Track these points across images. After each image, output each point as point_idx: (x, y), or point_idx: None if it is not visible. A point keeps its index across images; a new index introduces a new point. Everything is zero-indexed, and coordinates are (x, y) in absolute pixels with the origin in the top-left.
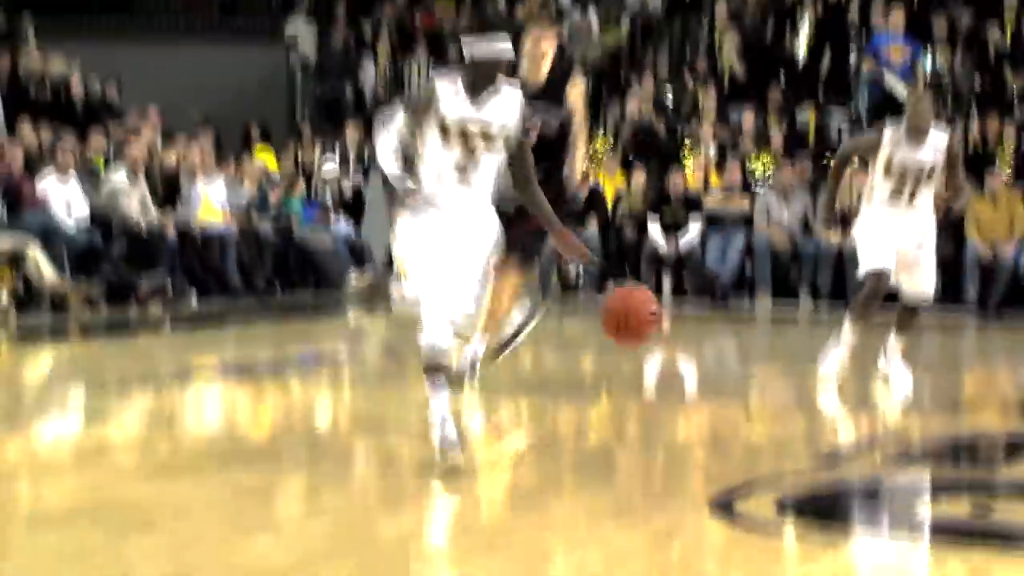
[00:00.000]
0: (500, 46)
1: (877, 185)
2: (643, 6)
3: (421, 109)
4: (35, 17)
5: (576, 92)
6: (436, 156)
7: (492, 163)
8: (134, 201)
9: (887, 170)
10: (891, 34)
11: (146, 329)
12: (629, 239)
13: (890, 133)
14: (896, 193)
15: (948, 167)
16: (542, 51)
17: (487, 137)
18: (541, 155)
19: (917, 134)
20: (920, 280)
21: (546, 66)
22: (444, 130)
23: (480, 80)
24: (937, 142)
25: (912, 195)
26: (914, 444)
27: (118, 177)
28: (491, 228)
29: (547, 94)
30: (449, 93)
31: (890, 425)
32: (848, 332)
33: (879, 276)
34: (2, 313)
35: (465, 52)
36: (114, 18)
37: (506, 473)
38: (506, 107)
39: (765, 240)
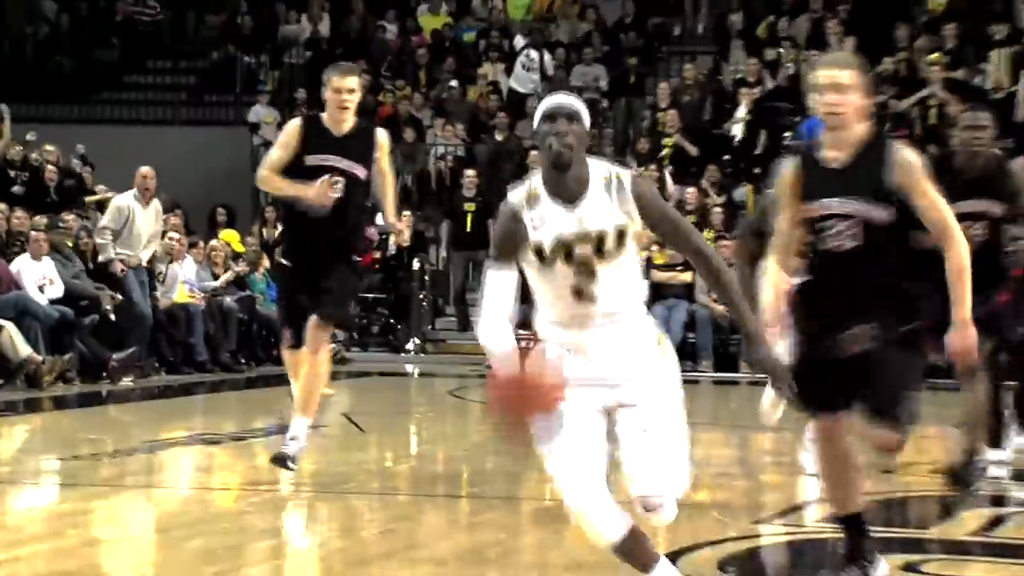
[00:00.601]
0: (566, 103)
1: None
2: (587, 86)
3: (508, 244)
4: (7, 101)
5: (384, 143)
6: (540, 288)
7: (615, 272)
8: (145, 226)
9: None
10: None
11: (117, 402)
12: None
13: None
14: None
15: None
16: (343, 100)
17: (601, 248)
18: (352, 195)
19: None
20: None
21: (350, 116)
22: (542, 256)
23: (563, 176)
24: None
25: None
26: None
27: (124, 200)
28: (639, 348)
29: (353, 144)
30: (534, 208)
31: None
32: None
33: None
34: None
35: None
36: (87, 106)
37: (465, 532)
38: (609, 198)
39: (707, 312)
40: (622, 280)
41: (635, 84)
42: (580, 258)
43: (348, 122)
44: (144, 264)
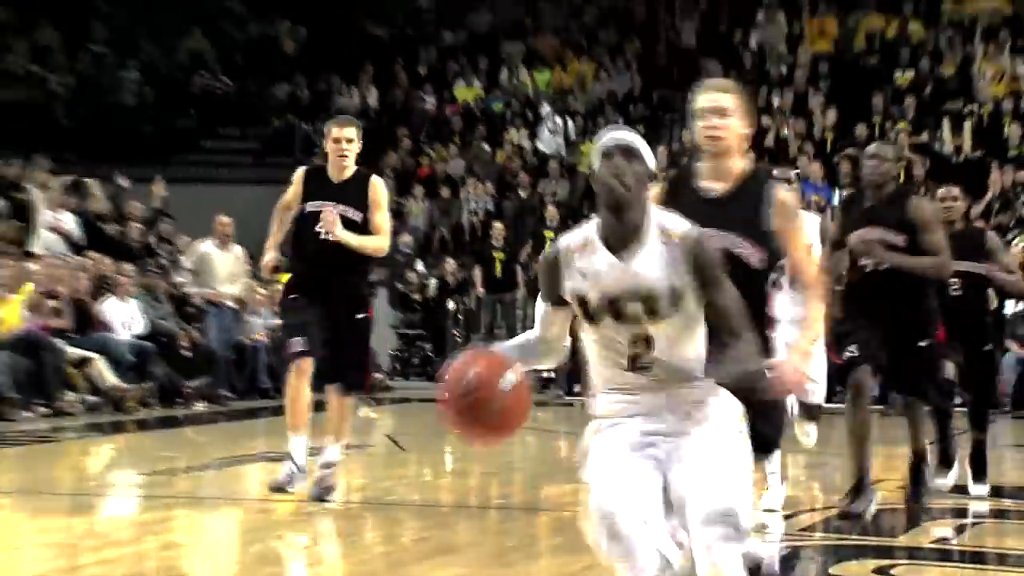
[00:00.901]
0: (630, 142)
1: None
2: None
3: (551, 288)
4: (99, 162)
5: (380, 190)
6: (592, 349)
7: (674, 334)
8: (224, 267)
9: None
10: (811, 182)
11: (191, 424)
12: None
13: None
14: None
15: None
16: (342, 148)
17: (651, 305)
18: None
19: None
20: None
21: (350, 163)
22: (587, 311)
23: (619, 220)
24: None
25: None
26: (828, 515)
27: (206, 247)
28: (709, 421)
29: (350, 190)
30: (585, 257)
31: (807, 499)
32: None
33: None
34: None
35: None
36: (168, 167)
37: (493, 538)
38: (665, 253)
39: None
40: (682, 349)
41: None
42: (630, 318)
43: (348, 170)
44: (229, 302)
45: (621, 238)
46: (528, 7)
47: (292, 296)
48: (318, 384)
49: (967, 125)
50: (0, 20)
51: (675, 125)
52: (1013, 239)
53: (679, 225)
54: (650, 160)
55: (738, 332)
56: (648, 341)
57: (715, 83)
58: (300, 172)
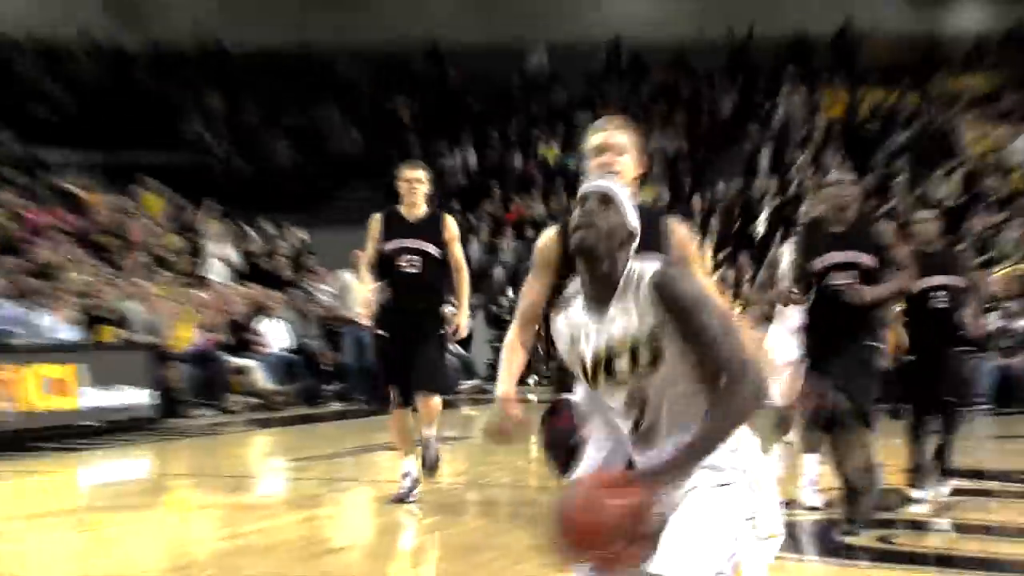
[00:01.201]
0: (602, 191)
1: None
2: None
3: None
4: (256, 213)
5: (452, 227)
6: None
7: (663, 388)
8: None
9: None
10: None
11: (329, 420)
12: None
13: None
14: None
15: None
16: (413, 187)
17: (633, 356)
18: (428, 271)
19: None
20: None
21: (421, 201)
22: (584, 368)
23: (591, 270)
24: None
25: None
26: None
27: (347, 276)
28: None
29: (425, 227)
30: (571, 305)
31: (819, 481)
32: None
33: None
34: (233, 409)
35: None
36: (310, 215)
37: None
38: (634, 297)
39: None
40: (682, 409)
41: (688, 198)
42: (620, 376)
43: (420, 208)
44: (364, 321)
45: (596, 289)
46: (595, 86)
47: (384, 334)
48: (410, 398)
49: (954, 178)
50: (176, 100)
51: (717, 178)
52: (994, 271)
53: (651, 266)
54: (629, 214)
55: (731, 371)
56: (643, 402)
57: (610, 121)
58: (377, 217)
